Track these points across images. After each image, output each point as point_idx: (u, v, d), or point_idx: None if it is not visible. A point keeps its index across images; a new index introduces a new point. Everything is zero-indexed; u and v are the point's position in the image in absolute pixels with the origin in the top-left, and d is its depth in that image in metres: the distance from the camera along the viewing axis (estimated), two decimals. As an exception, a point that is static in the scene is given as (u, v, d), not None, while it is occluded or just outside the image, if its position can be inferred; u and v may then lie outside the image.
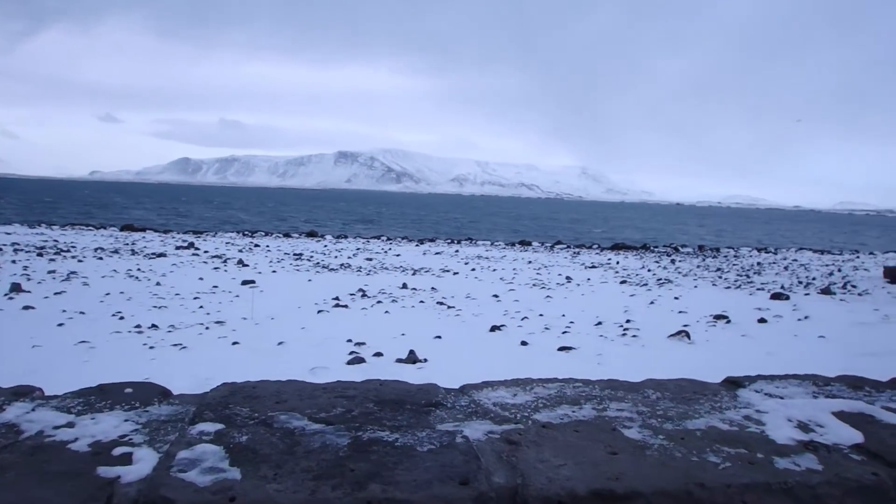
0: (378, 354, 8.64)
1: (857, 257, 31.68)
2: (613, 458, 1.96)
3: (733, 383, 2.95)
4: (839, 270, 22.76)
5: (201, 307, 11.98)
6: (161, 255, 21.13)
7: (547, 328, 11.06)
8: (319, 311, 12.01)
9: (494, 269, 21.10)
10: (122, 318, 10.64)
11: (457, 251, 28.57)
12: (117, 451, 1.86)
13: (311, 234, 35.77)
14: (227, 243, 27.67)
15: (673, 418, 2.38)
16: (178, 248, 23.97)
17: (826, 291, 15.75)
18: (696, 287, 17.53)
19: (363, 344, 9.20)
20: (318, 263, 20.79)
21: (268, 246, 26.95)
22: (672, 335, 10.42)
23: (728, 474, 1.88)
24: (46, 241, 24.47)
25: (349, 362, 8.22)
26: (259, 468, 1.77)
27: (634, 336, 10.45)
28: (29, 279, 14.29)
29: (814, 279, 19.61)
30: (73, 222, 39.99)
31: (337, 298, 13.39)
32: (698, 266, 24.68)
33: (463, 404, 2.37)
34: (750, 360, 8.79)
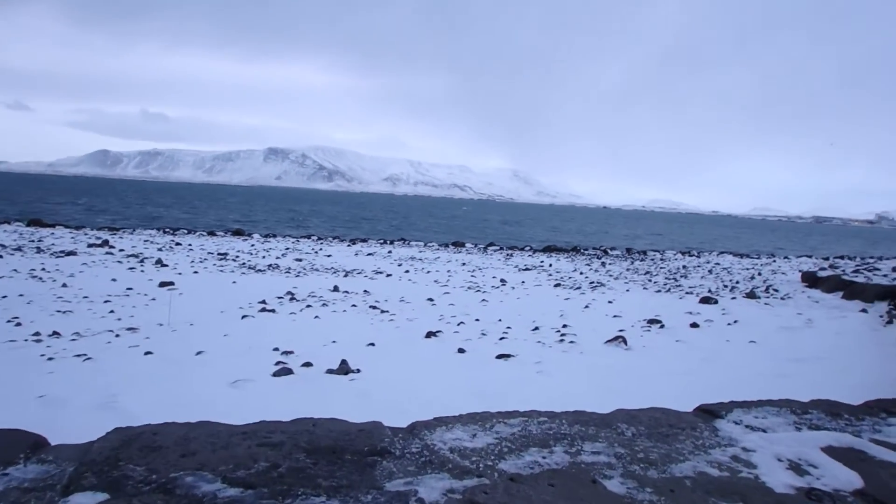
0: (307, 364, 8.06)
1: (774, 261, 33.08)
2: (601, 525, 1.62)
3: (708, 412, 2.69)
4: (759, 274, 23.59)
5: (112, 312, 11.05)
6: (70, 253, 19.67)
7: (484, 334, 10.76)
8: (244, 317, 11.29)
9: (429, 272, 20.74)
10: (18, 324, 9.64)
11: (390, 252, 28.05)
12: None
13: (237, 233, 34.37)
14: (145, 241, 26.14)
15: (656, 463, 2.07)
16: (90, 245, 22.42)
17: (751, 295, 16.18)
18: (628, 291, 17.70)
19: (291, 353, 8.61)
20: (244, 264, 19.82)
21: (190, 245, 25.61)
22: (609, 341, 10.31)
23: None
24: (-60, 236, 22.48)
25: (276, 374, 7.61)
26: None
27: (572, 342, 10.28)
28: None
29: (737, 283, 20.19)
30: (-28, 216, 37.13)
31: (264, 302, 12.68)
32: (627, 269, 25.08)
33: (414, 451, 1.97)
34: (686, 366, 8.75)
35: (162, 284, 14.24)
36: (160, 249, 22.86)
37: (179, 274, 16.48)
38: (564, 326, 11.56)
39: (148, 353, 8.33)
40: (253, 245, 27.47)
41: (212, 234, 32.98)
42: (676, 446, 2.23)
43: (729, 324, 12.10)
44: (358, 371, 7.93)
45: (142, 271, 16.65)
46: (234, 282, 15.86)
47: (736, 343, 10.34)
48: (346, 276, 18.35)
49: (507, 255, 30.70)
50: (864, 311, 12.93)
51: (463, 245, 36.15)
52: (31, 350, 8.20)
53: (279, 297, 13.45)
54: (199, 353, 8.44)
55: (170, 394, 6.22)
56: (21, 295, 12.01)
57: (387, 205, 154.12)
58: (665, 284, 19.52)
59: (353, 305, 13.08)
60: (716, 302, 14.86)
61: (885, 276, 16.84)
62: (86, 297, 12.28)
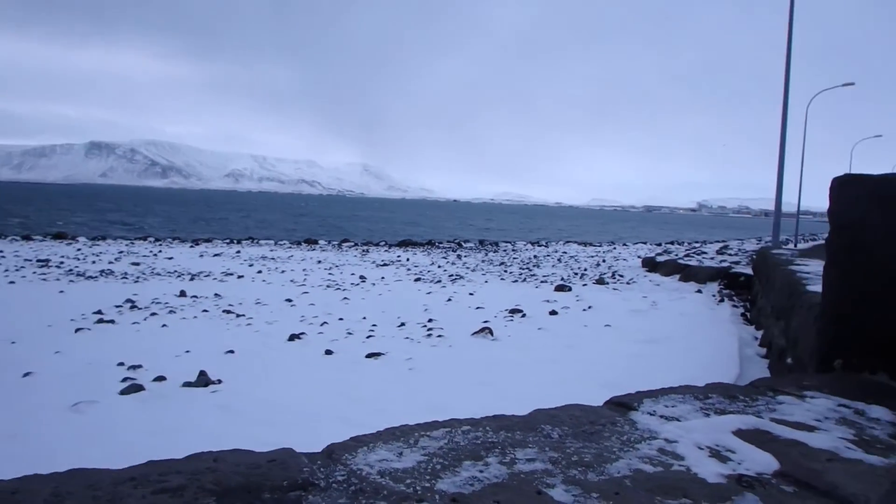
0: (160, 378, 7.35)
1: (615, 248, 35.63)
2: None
3: (621, 405, 2.69)
4: (604, 261, 25.26)
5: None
6: None
7: (350, 333, 10.48)
8: (78, 330, 10.09)
9: (283, 271, 19.95)
10: None
11: (238, 252, 26.68)
12: None
13: (59, 236, 30.99)
14: (-53, 249, 22.82)
15: (592, 465, 2.00)
16: None
17: (600, 282, 17.23)
18: (486, 282, 18.13)
19: (139, 367, 7.80)
20: (71, 270, 17.81)
21: (1, 251, 22.61)
22: (476, 332, 10.44)
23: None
24: None
25: (124, 391, 6.83)
26: None
27: (440, 336, 10.28)
28: None
29: (585, 270, 21.45)
30: None
31: (100, 312, 11.44)
32: (483, 261, 25.76)
33: (340, 479, 1.72)
34: (552, 354, 9.06)
35: (-30, 299, 12.43)
36: (-35, 258, 20.01)
37: (-9, 286, 14.50)
38: (430, 321, 11.56)
39: (-40, 380, 7.16)
40: (80, 249, 24.88)
41: (27, 238, 29.48)
42: (605, 444, 2.17)
43: (584, 309, 12.75)
44: (219, 382, 7.35)
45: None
46: (61, 291, 14.21)
47: (593, 328, 10.89)
48: (192, 279, 17.14)
49: (363, 251, 30.39)
50: (699, 291, 14.24)
51: (316, 242, 35.31)
52: None
53: (118, 306, 12.24)
54: (26, 374, 7.41)
55: (-4, 426, 5.38)
56: None
57: (230, 202, 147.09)
58: (521, 274, 20.25)
59: (205, 311, 12.21)
60: (569, 289, 15.63)
61: (711, 258, 18.68)
62: None
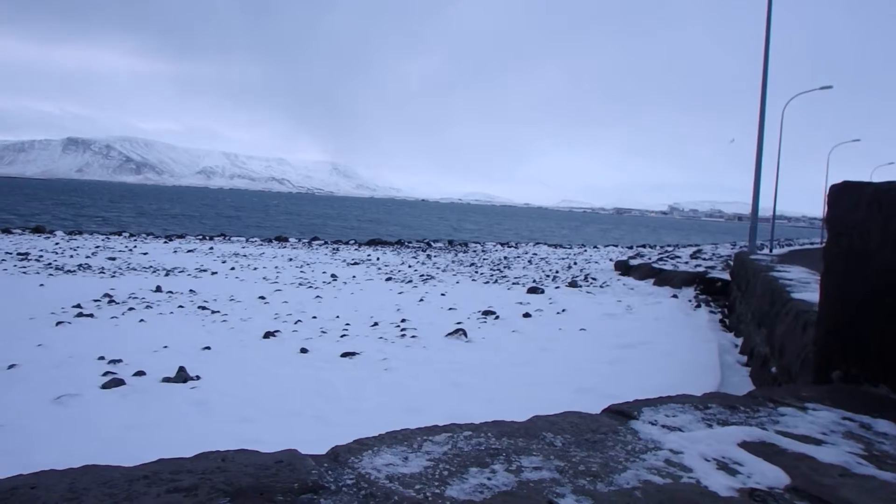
0: (140, 373, 7.29)
1: (586, 250, 35.81)
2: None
3: (620, 413, 2.62)
4: (575, 264, 25.33)
5: None
6: None
7: (324, 331, 10.32)
8: (58, 323, 9.98)
9: (255, 268, 19.66)
10: None
11: (211, 248, 26.33)
12: None
13: (37, 230, 30.33)
14: None
15: (600, 475, 1.92)
16: None
17: (573, 284, 17.23)
18: (458, 283, 18.05)
19: (119, 361, 7.77)
20: (49, 264, 17.67)
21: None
22: (450, 334, 10.35)
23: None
24: None
25: (105, 385, 6.77)
26: None
27: (414, 337, 10.17)
28: None
29: (557, 272, 21.47)
30: None
31: (79, 306, 11.35)
32: (453, 261, 25.69)
33: (350, 483, 1.66)
34: (527, 356, 9.01)
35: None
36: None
37: (-35, 278, 14.14)
38: (403, 321, 11.45)
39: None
40: (58, 244, 24.54)
41: (7, 231, 28.92)
42: (610, 454, 2.10)
43: (558, 312, 12.72)
44: (198, 378, 7.23)
45: None
46: (41, 284, 14.11)
47: (568, 332, 10.86)
48: (167, 275, 16.90)
49: (334, 249, 30.11)
50: (675, 296, 14.28)
51: (287, 240, 34.91)
52: None
53: (96, 301, 12.11)
54: (10, 366, 7.38)
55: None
56: None
57: (202, 198, 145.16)
58: (492, 275, 20.21)
59: (181, 306, 12.01)
60: (542, 292, 15.61)
61: (686, 262, 18.79)
62: None
